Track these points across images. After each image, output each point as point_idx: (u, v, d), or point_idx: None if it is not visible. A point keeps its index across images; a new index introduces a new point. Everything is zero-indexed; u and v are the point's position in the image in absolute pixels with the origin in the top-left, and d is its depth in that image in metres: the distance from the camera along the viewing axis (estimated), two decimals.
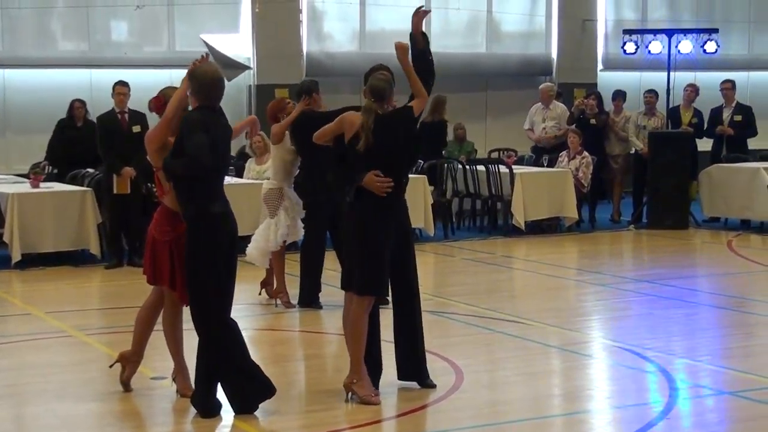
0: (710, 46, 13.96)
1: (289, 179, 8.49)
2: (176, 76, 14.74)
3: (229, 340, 5.57)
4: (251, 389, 5.61)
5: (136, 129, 10.50)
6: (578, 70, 16.70)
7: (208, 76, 5.58)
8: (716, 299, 9.00)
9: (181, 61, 14.61)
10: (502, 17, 16.59)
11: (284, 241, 8.48)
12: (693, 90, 13.86)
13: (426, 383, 6.06)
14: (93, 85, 14.03)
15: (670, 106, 13.80)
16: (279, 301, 8.61)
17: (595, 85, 16.36)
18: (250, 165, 11.78)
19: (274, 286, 8.72)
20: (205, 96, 5.55)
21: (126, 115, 10.73)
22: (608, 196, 14.21)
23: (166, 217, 5.74)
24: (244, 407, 5.60)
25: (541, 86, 14.29)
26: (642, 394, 6.26)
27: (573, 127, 13.52)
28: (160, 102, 6.01)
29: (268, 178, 8.75)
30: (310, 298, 8.53)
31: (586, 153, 13.06)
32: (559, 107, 14.15)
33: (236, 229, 5.65)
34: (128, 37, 14.81)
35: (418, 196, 11.72)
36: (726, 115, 13.73)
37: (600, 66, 17.06)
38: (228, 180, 11.77)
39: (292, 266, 9.00)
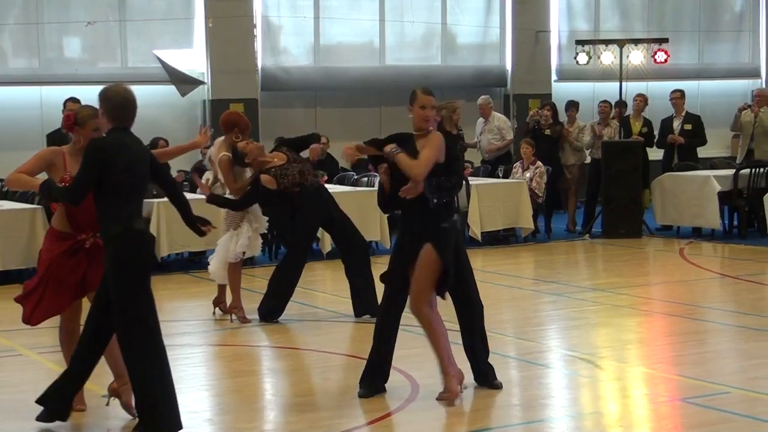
0: (661, 56, 14.10)
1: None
2: None
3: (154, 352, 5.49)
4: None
5: None
6: (533, 81, 16.83)
7: (119, 96, 5.45)
8: (669, 307, 9.09)
9: (135, 77, 14.57)
10: (457, 30, 16.69)
11: (243, 253, 8.43)
12: (642, 100, 14.01)
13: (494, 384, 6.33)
14: (43, 102, 13.91)
15: (622, 116, 13.94)
16: (234, 317, 8.54)
17: (550, 95, 16.49)
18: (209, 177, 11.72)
19: (227, 303, 8.65)
20: (118, 117, 5.44)
21: None
22: (564, 206, 14.31)
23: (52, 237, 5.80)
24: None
25: (479, 101, 14.37)
26: (597, 402, 6.30)
27: (527, 137, 13.62)
28: (70, 120, 5.91)
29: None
30: (271, 312, 8.47)
31: (539, 163, 13.15)
32: (496, 118, 14.22)
33: (154, 246, 5.70)
34: (80, 54, 14.70)
35: (373, 210, 11.72)
36: (676, 124, 13.88)
37: (554, 77, 17.20)
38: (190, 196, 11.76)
39: (249, 281, 8.96)
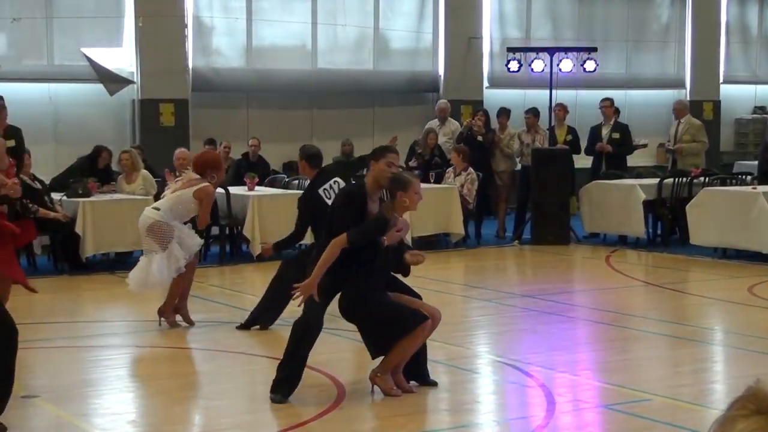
0: (589, 65, 14.28)
1: (182, 221, 8.31)
2: (55, 90, 14.42)
3: None
4: None
5: (10, 143, 10.17)
6: (465, 87, 16.92)
7: None
8: (594, 314, 9.20)
9: (61, 74, 14.32)
10: (390, 34, 16.71)
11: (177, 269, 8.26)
12: (561, 109, 14.15)
13: (428, 381, 6.43)
14: None
15: (552, 123, 14.09)
16: (165, 321, 8.32)
17: (482, 102, 16.60)
18: (121, 185, 11.64)
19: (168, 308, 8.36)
20: None
21: None
22: (494, 213, 14.42)
23: None
24: None
25: (439, 104, 14.55)
26: (523, 407, 6.34)
27: (460, 144, 13.73)
28: None
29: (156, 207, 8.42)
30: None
31: (470, 169, 13.22)
32: (453, 124, 14.37)
33: None
34: (6, 50, 14.36)
35: None
36: (605, 132, 14.08)
37: (486, 83, 17.33)
38: (111, 196, 11.62)
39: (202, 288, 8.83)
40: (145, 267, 8.15)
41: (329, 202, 7.99)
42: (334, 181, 8.15)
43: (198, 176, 8.25)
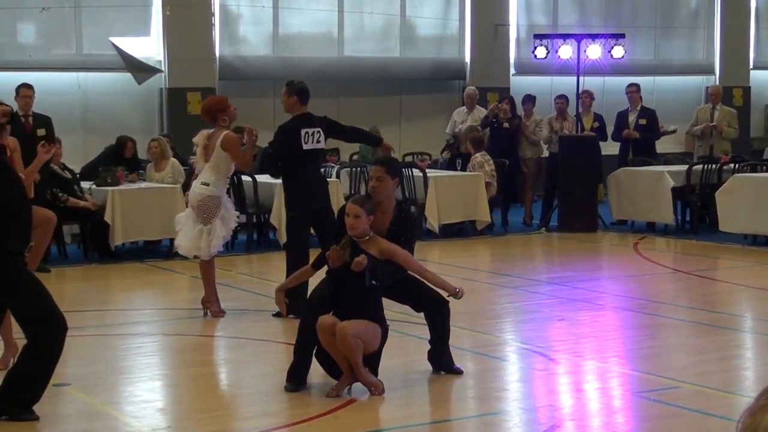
0: (617, 51, 14.16)
1: (225, 187, 8.31)
2: (84, 79, 14.52)
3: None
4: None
5: (41, 132, 10.29)
6: (491, 74, 16.86)
7: None
8: (622, 301, 9.17)
9: (90, 63, 14.41)
10: (416, 21, 16.68)
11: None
12: (588, 96, 14.06)
13: (453, 370, 6.43)
14: None
15: (580, 110, 14.02)
16: (209, 311, 8.31)
17: (508, 89, 16.54)
18: (150, 173, 11.68)
19: (212, 302, 8.35)
20: None
21: (30, 118, 10.49)
22: (521, 200, 14.38)
23: None
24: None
25: (468, 91, 14.51)
26: (551, 395, 6.34)
27: (485, 130, 13.69)
28: None
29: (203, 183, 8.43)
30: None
31: (479, 154, 13.17)
32: (481, 111, 14.36)
33: None
34: (35, 40, 14.48)
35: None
36: (632, 118, 13.99)
37: (513, 70, 17.25)
38: (138, 185, 11.69)
39: (230, 276, 8.89)
40: (190, 233, 8.18)
41: (306, 146, 7.99)
42: (318, 131, 8.12)
43: (210, 130, 8.25)
